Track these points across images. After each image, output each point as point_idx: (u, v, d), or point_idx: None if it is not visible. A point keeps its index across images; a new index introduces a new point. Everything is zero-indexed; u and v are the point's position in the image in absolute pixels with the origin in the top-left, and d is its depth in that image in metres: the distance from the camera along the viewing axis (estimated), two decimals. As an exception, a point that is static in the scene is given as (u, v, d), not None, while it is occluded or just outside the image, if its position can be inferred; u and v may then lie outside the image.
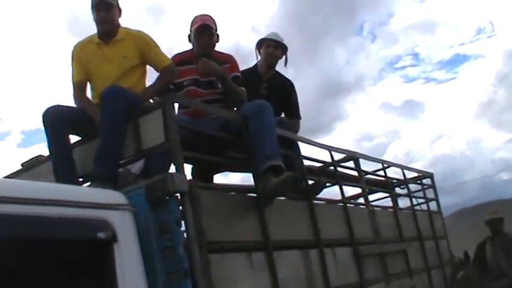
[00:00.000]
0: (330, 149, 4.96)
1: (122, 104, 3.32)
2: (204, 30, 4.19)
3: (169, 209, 2.95)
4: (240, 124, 3.75)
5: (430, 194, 7.32)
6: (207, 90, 4.14)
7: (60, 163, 3.47)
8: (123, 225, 2.74)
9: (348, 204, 4.90)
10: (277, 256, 3.56)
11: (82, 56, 3.87)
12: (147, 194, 2.94)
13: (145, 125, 3.29)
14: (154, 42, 3.92)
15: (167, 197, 2.93)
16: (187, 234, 2.95)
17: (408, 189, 6.71)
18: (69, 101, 4.00)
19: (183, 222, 2.96)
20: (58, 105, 3.61)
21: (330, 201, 4.84)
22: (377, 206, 5.77)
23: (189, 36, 4.33)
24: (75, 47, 3.91)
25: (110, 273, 2.60)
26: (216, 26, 4.27)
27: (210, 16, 4.32)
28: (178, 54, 4.32)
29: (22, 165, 4.05)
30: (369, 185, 5.74)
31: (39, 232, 2.36)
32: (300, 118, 5.15)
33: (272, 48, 5.04)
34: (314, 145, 4.76)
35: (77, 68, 3.87)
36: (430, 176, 7.47)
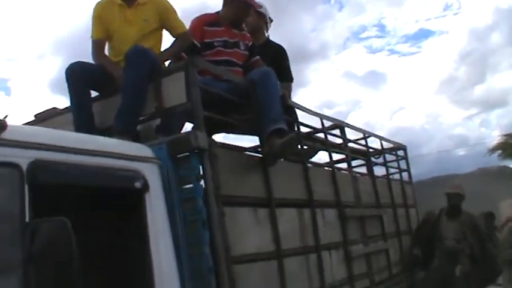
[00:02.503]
0: (321, 116, 5.25)
1: (146, 64, 3.54)
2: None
3: (190, 164, 3.21)
4: (247, 88, 3.99)
5: (402, 164, 7.73)
6: (232, 50, 4.40)
7: (80, 115, 3.66)
8: (152, 177, 2.99)
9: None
10: (278, 213, 3.87)
11: (103, 15, 4.01)
12: (169, 149, 3.17)
13: (168, 85, 3.51)
14: (173, 8, 4.11)
15: (189, 153, 3.19)
16: (205, 188, 3.20)
17: (385, 158, 7.08)
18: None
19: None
20: (80, 61, 3.79)
21: (320, 166, 5.15)
22: (358, 173, 6.12)
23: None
24: (97, 5, 4.04)
25: (142, 221, 2.84)
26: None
27: None
28: (206, 14, 4.56)
29: (35, 116, 4.21)
30: (351, 152, 6.07)
31: (88, 179, 2.58)
32: (291, 81, 5.41)
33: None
34: (307, 112, 5.04)
35: (97, 26, 4.01)
36: (403, 148, 7.88)
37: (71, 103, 3.73)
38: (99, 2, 4.06)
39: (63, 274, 1.96)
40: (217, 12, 4.57)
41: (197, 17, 4.47)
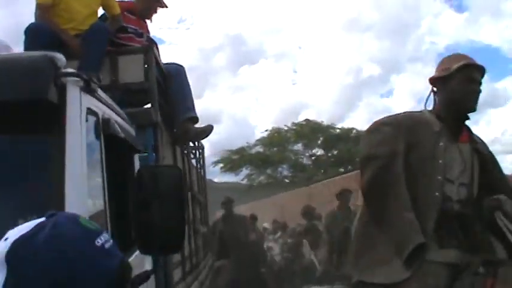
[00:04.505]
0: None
1: (106, 41, 3.98)
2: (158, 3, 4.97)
3: (146, 135, 3.78)
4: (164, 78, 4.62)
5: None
6: (140, 39, 4.86)
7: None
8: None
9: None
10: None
11: None
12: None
13: (125, 64, 3.99)
14: None
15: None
16: (157, 158, 3.80)
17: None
18: None
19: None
20: (40, 22, 4.00)
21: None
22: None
23: None
24: None
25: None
26: None
27: None
28: (125, 1, 4.95)
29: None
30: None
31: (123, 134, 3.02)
32: None
33: None
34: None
35: None
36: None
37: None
38: None
39: (180, 211, 2.52)
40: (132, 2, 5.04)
41: (119, 1, 4.86)
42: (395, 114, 3.12)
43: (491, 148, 3.22)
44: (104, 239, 1.04)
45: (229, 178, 31.97)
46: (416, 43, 50.36)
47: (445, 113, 3.00)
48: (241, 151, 30.03)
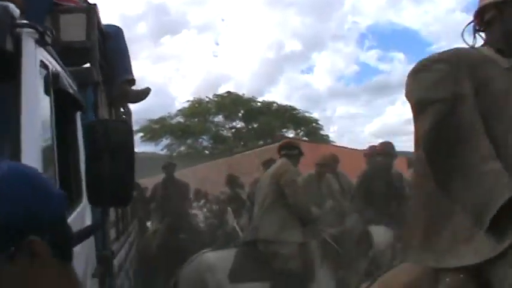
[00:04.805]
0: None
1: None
2: None
3: (86, 95, 3.79)
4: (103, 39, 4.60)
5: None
6: None
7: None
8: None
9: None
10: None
11: None
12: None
13: (67, 22, 3.95)
14: None
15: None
16: (96, 117, 3.83)
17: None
18: None
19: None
20: None
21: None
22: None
23: None
24: None
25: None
26: None
27: None
28: None
29: None
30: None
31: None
32: None
33: None
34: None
35: None
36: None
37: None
38: None
39: (130, 163, 2.60)
40: None
41: None
42: (447, 50, 2.36)
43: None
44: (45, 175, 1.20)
45: (149, 148, 31.62)
46: (339, 22, 51.49)
47: (506, 46, 2.33)
48: (161, 121, 29.83)
